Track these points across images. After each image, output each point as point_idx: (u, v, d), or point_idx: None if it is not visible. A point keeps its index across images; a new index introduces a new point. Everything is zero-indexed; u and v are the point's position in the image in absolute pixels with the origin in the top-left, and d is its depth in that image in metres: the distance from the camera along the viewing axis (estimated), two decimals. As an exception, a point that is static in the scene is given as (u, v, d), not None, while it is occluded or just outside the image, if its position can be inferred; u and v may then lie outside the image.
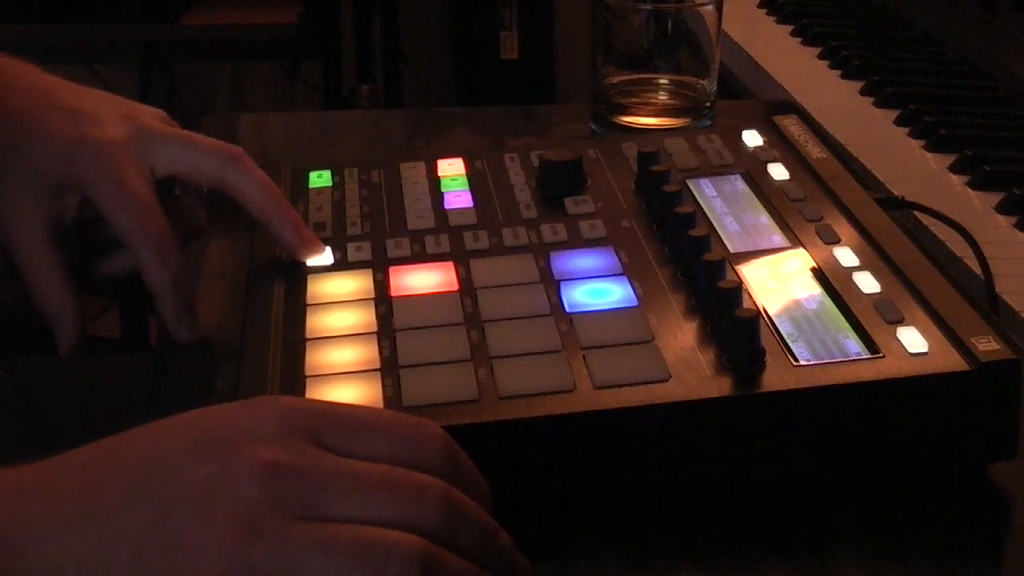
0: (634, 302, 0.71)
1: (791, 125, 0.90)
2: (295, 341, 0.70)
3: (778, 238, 0.77)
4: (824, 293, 0.71)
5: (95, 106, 0.79)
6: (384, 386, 0.65)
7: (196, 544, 0.51)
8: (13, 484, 0.53)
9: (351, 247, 0.78)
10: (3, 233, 0.77)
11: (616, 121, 1.05)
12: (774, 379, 0.64)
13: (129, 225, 0.76)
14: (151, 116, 0.81)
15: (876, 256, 0.73)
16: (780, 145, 0.88)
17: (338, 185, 0.86)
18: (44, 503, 0.53)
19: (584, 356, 0.67)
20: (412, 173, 0.87)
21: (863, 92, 1.31)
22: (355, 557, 0.51)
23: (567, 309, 0.71)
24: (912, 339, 0.66)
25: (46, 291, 0.77)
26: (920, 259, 0.73)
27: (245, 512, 0.51)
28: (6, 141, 0.77)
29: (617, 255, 0.76)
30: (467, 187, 0.85)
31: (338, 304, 0.73)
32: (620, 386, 0.64)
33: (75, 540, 0.52)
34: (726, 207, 0.81)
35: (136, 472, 0.53)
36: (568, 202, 0.82)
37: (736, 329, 0.65)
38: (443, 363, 0.67)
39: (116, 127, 0.78)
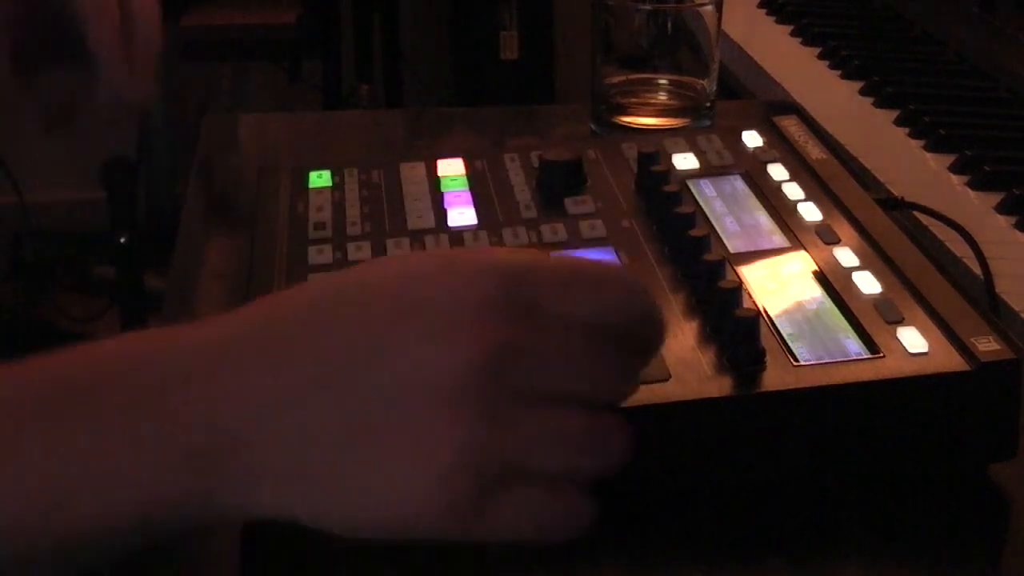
0: (634, 302, 0.71)
1: (791, 125, 0.90)
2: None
3: (778, 238, 0.77)
4: (824, 293, 0.71)
5: None
6: (384, 386, 0.65)
7: (434, 429, 0.50)
8: (200, 357, 0.52)
9: (351, 247, 0.78)
10: None
11: (616, 121, 1.05)
12: (774, 379, 0.64)
13: None
14: None
15: (876, 256, 0.73)
16: (780, 145, 0.88)
17: (338, 185, 0.86)
18: (238, 383, 0.51)
19: (584, 356, 0.67)
20: (412, 173, 0.87)
21: (863, 92, 1.31)
22: (583, 448, 0.52)
23: (567, 309, 0.71)
24: (912, 339, 0.66)
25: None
26: (920, 259, 0.73)
27: (479, 395, 0.50)
28: None
29: (617, 255, 0.76)
30: (467, 187, 0.85)
31: (338, 304, 0.73)
32: (620, 386, 0.64)
33: (277, 421, 0.50)
34: (726, 207, 0.81)
35: (347, 347, 0.51)
36: (568, 202, 0.82)
37: (736, 329, 0.65)
38: (443, 363, 0.67)
39: None
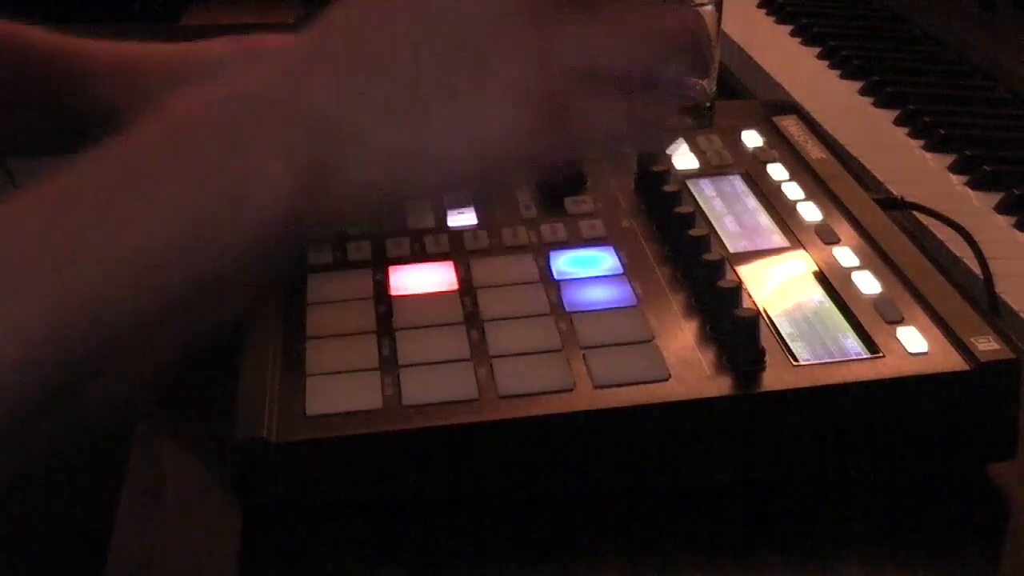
0: (634, 302, 0.71)
1: (791, 125, 0.90)
2: (295, 341, 0.70)
3: (778, 238, 0.77)
4: (824, 293, 0.71)
5: None
6: (384, 385, 0.65)
7: (502, 56, 0.54)
8: (289, 65, 0.56)
9: (351, 246, 0.78)
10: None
11: (616, 121, 1.04)
12: (774, 379, 0.64)
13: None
14: None
15: (876, 256, 0.74)
16: (780, 145, 0.88)
17: (338, 185, 0.86)
18: (324, 68, 0.55)
19: (584, 355, 0.67)
20: (412, 173, 0.87)
21: (863, 92, 1.31)
22: (647, 43, 0.55)
23: (567, 308, 0.71)
24: (912, 339, 0.66)
25: None
26: (920, 259, 0.73)
27: (539, 18, 0.55)
28: None
29: (617, 255, 0.76)
30: (467, 187, 0.85)
31: (338, 303, 0.73)
32: (620, 385, 0.64)
33: (373, 92, 0.54)
34: (726, 207, 0.81)
35: (414, 21, 0.55)
36: (568, 202, 0.82)
37: (736, 329, 0.65)
38: (443, 362, 0.67)
39: None
